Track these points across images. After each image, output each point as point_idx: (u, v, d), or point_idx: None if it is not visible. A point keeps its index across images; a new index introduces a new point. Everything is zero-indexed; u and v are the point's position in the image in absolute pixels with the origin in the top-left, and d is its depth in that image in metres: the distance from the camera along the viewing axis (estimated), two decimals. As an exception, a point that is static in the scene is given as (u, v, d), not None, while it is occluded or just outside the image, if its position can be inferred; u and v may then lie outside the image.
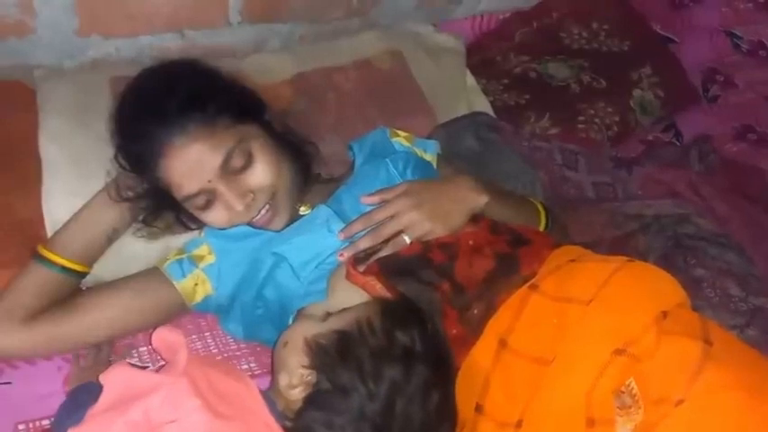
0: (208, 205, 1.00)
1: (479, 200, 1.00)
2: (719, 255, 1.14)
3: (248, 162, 0.99)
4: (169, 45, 1.39)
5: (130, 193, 1.05)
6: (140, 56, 1.38)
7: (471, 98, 1.47)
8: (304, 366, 0.83)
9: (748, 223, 1.24)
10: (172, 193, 1.00)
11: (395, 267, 0.94)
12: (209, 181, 0.98)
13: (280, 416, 0.85)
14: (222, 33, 1.42)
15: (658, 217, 1.20)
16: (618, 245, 1.18)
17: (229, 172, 0.98)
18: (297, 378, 0.83)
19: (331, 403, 0.81)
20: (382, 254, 0.95)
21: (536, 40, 1.58)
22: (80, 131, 1.19)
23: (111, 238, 1.09)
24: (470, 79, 1.50)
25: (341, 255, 0.97)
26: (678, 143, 1.50)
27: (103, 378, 0.83)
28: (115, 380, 0.82)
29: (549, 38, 1.58)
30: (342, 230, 1.00)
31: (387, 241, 0.97)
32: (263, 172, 1.00)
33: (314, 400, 0.82)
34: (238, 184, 0.99)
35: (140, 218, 1.08)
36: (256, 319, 1.06)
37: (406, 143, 1.17)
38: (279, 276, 1.02)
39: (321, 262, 1.00)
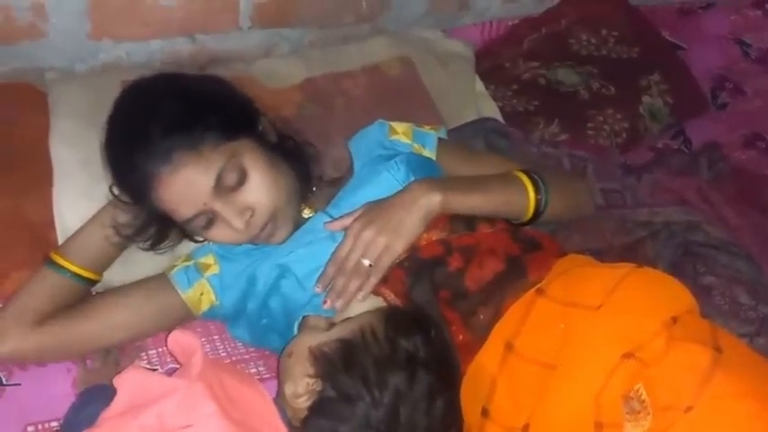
0: (210, 224, 0.99)
1: (431, 200, 0.96)
2: (729, 263, 1.13)
3: (242, 178, 0.97)
4: (180, 49, 1.40)
5: (130, 231, 1.04)
6: (151, 60, 1.39)
7: (480, 104, 1.47)
8: (309, 375, 0.83)
9: (758, 231, 1.23)
10: (172, 217, 0.99)
11: (416, 269, 0.94)
12: (205, 203, 0.96)
13: (289, 424, 0.85)
14: (232, 38, 1.43)
15: (667, 224, 1.19)
16: (627, 252, 1.17)
17: (224, 190, 0.96)
18: (302, 387, 0.84)
19: (336, 411, 0.81)
20: (355, 286, 0.94)
21: (545, 47, 1.57)
22: (91, 134, 1.19)
23: (122, 246, 1.09)
24: (479, 85, 1.50)
25: (324, 303, 0.95)
26: (687, 150, 1.50)
27: (117, 381, 0.83)
28: (129, 383, 0.83)
29: (557, 44, 1.58)
30: (318, 282, 0.97)
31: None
32: (259, 186, 0.98)
33: (319, 408, 0.82)
34: (235, 201, 0.97)
35: (146, 246, 1.07)
36: (262, 328, 1.06)
37: (405, 140, 1.12)
38: (284, 287, 1.02)
39: None
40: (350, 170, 1.13)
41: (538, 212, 1.02)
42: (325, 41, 1.49)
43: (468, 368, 0.88)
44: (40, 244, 1.12)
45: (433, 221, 0.98)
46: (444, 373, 0.85)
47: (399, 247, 0.95)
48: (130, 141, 0.97)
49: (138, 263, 1.12)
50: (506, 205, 1.02)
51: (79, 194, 1.15)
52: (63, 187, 1.17)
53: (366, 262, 0.95)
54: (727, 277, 1.11)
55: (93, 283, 1.08)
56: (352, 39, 1.48)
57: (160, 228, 1.05)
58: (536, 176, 1.04)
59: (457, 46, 1.51)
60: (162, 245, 1.08)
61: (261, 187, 0.98)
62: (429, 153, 1.12)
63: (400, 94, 1.39)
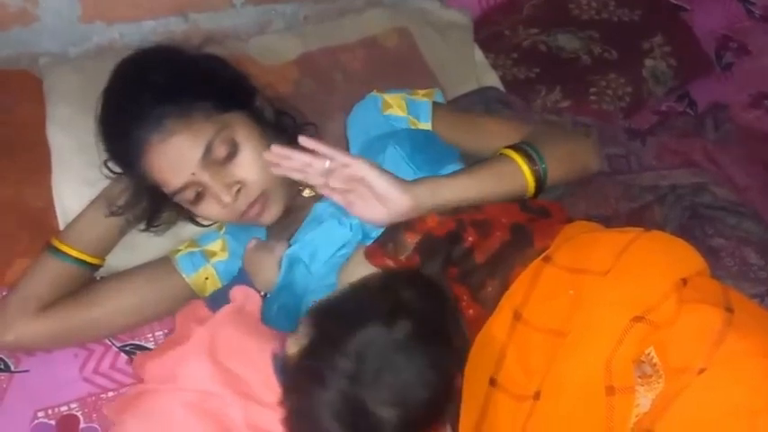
0: (198, 199, 0.97)
1: (418, 191, 0.92)
2: (738, 224, 1.12)
3: (233, 151, 0.96)
4: (173, 29, 1.39)
5: (122, 204, 1.04)
6: (144, 41, 1.36)
7: (480, 73, 1.45)
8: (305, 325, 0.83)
9: (766, 191, 1.21)
10: (157, 186, 0.98)
11: (429, 248, 0.92)
12: (193, 174, 0.95)
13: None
14: (226, 16, 1.41)
15: (674, 187, 1.18)
16: (634, 217, 1.16)
17: (213, 162, 0.95)
18: (301, 338, 0.83)
19: (319, 354, 0.80)
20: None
21: (545, 12, 1.55)
22: (87, 119, 1.17)
23: (124, 230, 1.08)
24: (479, 54, 1.48)
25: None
26: (692, 113, 1.48)
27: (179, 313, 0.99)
28: (183, 316, 0.97)
29: (557, 9, 1.55)
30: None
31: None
32: (250, 161, 0.97)
33: (304, 350, 0.82)
34: (224, 175, 0.96)
35: (141, 225, 1.06)
36: (265, 313, 1.05)
37: (400, 113, 1.10)
38: (295, 274, 1.00)
39: (332, 255, 0.98)
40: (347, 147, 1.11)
41: (540, 183, 0.99)
42: (320, 15, 1.47)
43: (477, 338, 0.87)
44: (41, 231, 1.11)
45: None
46: (433, 333, 0.80)
47: (370, 214, 0.91)
48: (123, 109, 0.97)
49: (142, 248, 1.12)
50: (500, 182, 0.97)
51: (78, 180, 1.14)
52: (62, 173, 1.16)
53: (327, 164, 0.90)
54: (736, 238, 1.09)
55: (95, 267, 1.07)
56: (347, 11, 1.46)
57: (152, 202, 1.04)
58: (527, 147, 0.99)
59: (454, 15, 1.49)
60: (158, 223, 1.06)
61: (252, 162, 0.97)
62: (424, 125, 1.09)
63: (399, 66, 1.37)
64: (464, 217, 0.94)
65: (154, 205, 1.05)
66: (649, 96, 1.47)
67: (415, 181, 0.94)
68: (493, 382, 0.84)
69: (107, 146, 1.01)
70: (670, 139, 1.29)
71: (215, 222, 1.09)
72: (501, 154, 1.00)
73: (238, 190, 0.96)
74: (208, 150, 0.94)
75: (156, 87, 0.95)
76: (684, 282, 0.81)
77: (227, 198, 0.95)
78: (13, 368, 1.04)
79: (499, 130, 1.08)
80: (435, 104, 1.11)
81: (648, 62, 1.48)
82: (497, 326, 0.86)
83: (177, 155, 0.94)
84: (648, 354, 0.77)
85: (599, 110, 1.40)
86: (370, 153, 1.03)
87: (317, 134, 1.12)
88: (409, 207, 0.91)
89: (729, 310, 0.77)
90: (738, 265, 1.06)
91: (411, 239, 0.93)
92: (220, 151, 0.95)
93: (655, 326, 0.78)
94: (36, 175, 1.16)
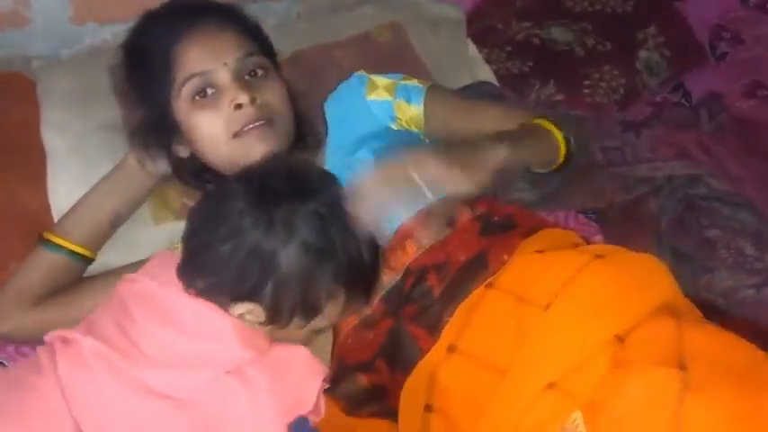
0: (204, 101, 0.97)
1: (498, 153, 0.86)
2: (733, 214, 1.12)
3: (262, 75, 1.01)
4: (165, 29, 1.38)
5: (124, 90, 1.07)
6: (137, 41, 1.36)
7: (474, 68, 1.45)
8: None
9: (761, 181, 1.22)
10: (174, 74, 0.97)
11: (395, 300, 0.89)
12: (225, 63, 0.97)
13: None
14: (218, 14, 1.40)
15: (669, 179, 1.18)
16: (629, 209, 1.16)
17: (241, 71, 0.99)
18: None
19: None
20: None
21: (537, 5, 1.55)
22: (82, 120, 1.19)
23: (115, 223, 1.09)
24: (472, 49, 1.48)
25: None
26: (687, 103, 1.48)
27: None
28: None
29: (550, 2, 1.55)
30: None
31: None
32: (273, 87, 1.01)
33: None
34: (246, 85, 0.98)
35: (133, 136, 1.06)
36: None
37: (385, 97, 1.08)
38: None
39: None
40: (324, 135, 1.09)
41: (569, 153, 0.95)
42: (312, 12, 1.46)
43: (414, 369, 0.83)
44: (37, 233, 1.11)
45: (413, 222, 0.91)
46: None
47: (460, 187, 0.81)
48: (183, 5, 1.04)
49: (140, 245, 1.12)
50: (548, 146, 0.95)
51: (73, 181, 1.14)
52: (57, 175, 1.16)
53: (428, 194, 0.81)
54: (732, 229, 1.10)
55: (87, 261, 1.08)
56: (340, 8, 1.45)
57: (154, 109, 1.02)
58: (563, 126, 0.96)
59: (447, 9, 1.49)
60: (146, 142, 1.05)
61: (275, 90, 1.01)
62: (415, 107, 1.06)
63: (392, 62, 1.36)
64: (428, 264, 0.89)
65: (153, 114, 1.02)
66: (643, 88, 1.47)
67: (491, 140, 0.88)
68: (429, 407, 0.80)
69: (148, 33, 1.04)
70: (665, 130, 1.29)
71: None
72: (534, 123, 0.97)
73: (252, 101, 0.97)
74: (247, 56, 0.99)
75: (223, 6, 1.05)
76: (621, 339, 0.73)
77: (243, 98, 0.96)
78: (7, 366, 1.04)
79: (499, 115, 1.04)
80: (433, 87, 1.09)
81: (642, 53, 1.48)
82: (433, 354, 0.82)
83: (220, 43, 0.99)
84: (574, 421, 0.71)
85: (593, 102, 1.41)
86: (344, 152, 1.03)
87: (316, 145, 1.10)
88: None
89: (683, 367, 0.69)
90: (734, 257, 1.07)
91: (387, 278, 0.90)
92: (252, 65, 1.00)
93: (567, 394, 0.72)
94: (31, 178, 1.16)
